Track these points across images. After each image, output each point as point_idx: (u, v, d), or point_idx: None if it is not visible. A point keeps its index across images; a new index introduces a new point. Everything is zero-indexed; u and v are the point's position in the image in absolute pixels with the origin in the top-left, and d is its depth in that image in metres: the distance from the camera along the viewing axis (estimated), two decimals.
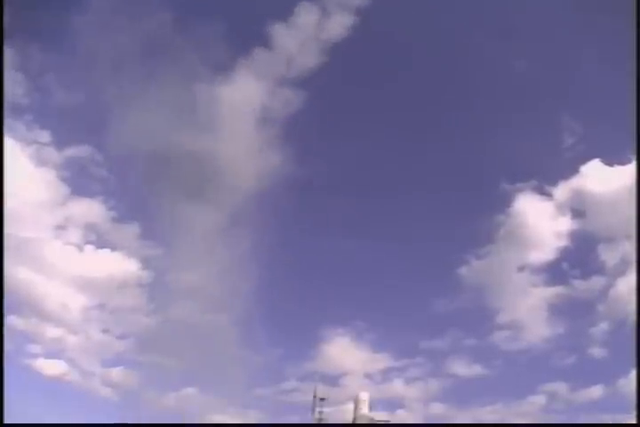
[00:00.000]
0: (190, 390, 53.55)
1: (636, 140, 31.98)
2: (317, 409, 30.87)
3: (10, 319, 47.86)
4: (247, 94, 57.03)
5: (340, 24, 55.84)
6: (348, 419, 31.96)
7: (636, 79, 30.42)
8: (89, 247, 56.07)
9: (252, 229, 54.69)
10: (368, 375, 53.80)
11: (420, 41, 62.16)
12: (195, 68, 55.28)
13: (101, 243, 56.26)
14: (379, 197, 65.76)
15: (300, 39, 56.40)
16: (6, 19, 31.90)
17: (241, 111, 57.27)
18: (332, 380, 49.49)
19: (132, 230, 58.51)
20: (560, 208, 56.30)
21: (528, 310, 54.63)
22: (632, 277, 45.95)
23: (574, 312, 54.07)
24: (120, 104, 54.31)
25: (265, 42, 56.02)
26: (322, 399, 31.18)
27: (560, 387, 50.32)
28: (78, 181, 58.19)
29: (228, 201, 56.48)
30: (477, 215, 58.73)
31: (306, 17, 56.01)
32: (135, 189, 59.27)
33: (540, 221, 56.77)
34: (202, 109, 56.60)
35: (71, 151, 57.99)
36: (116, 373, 53.90)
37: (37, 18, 50.90)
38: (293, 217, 62.33)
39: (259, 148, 57.38)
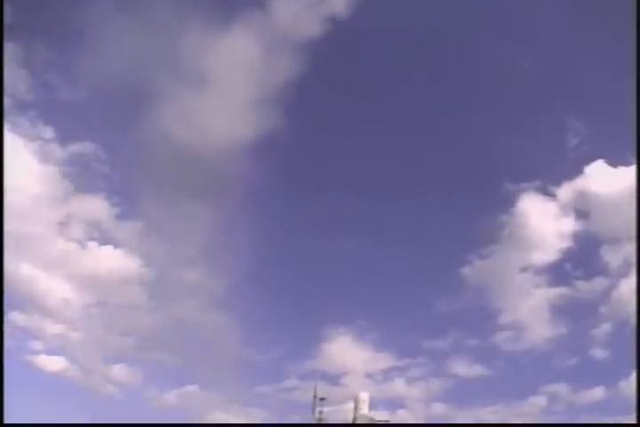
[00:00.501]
0: (191, 388, 54.02)
1: (636, 142, 31.77)
2: (317, 409, 30.90)
3: (11, 315, 48.14)
4: (240, 54, 55.59)
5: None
6: (349, 419, 31.95)
7: (635, 81, 30.24)
8: (91, 244, 56.17)
9: (253, 227, 54.90)
10: (369, 375, 53.89)
11: (423, 35, 61.15)
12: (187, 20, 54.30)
13: (104, 239, 56.25)
14: (381, 195, 65.49)
15: (299, 8, 55.44)
16: (10, 14, 32.09)
17: (232, 69, 56.04)
18: (334, 379, 49.63)
19: (134, 227, 58.28)
20: (564, 209, 56.08)
21: (530, 310, 54.64)
22: (634, 279, 46.12)
23: (576, 313, 53.99)
24: (99, 33, 53.33)
25: (262, 6, 55.18)
26: (322, 399, 31.15)
27: (561, 388, 50.35)
28: (81, 178, 57.62)
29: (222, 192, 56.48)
30: (481, 215, 58.56)
31: None
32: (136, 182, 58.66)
33: (544, 221, 56.61)
34: (189, 59, 55.65)
35: (75, 147, 57.55)
36: (118, 370, 54.23)
37: (41, 13, 50.95)
38: (295, 215, 62.60)
39: (249, 110, 55.92)
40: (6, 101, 38.68)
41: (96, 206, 56.98)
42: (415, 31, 60.28)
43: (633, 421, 25.97)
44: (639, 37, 29.85)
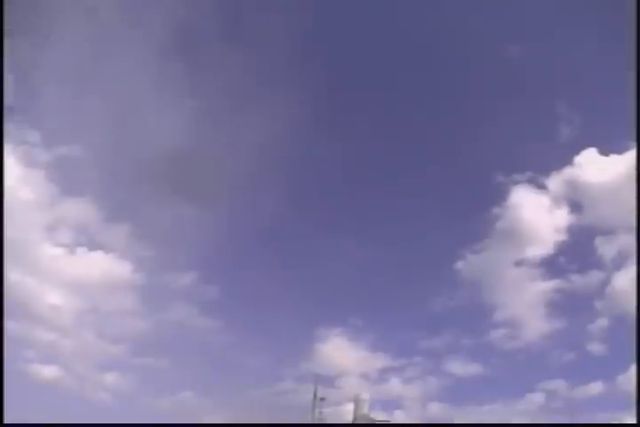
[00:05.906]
0: (186, 394, 53.02)
1: (635, 130, 31.68)
2: (317, 409, 30.47)
3: None
4: None
5: None
6: (347, 420, 31.60)
7: (635, 68, 30.13)
8: (80, 249, 55.08)
9: (246, 229, 54.26)
10: (365, 375, 53.18)
11: (405, 20, 60.39)
12: None
13: (93, 244, 55.15)
14: (370, 192, 64.84)
15: None
16: None
17: None
18: (329, 380, 48.71)
19: (123, 231, 57.05)
20: (556, 200, 55.51)
21: (525, 306, 54.33)
22: (630, 271, 46.06)
23: (572, 308, 53.61)
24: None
25: None
26: (322, 399, 30.79)
27: (559, 384, 49.98)
28: (68, 181, 56.23)
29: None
30: (473, 209, 58.43)
31: None
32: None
33: (537, 214, 56.11)
34: None
35: (61, 151, 56.38)
36: (111, 377, 53.19)
37: (25, 16, 49.96)
38: (287, 214, 61.89)
39: None
40: None
41: (84, 210, 55.73)
42: (397, 17, 59.49)
43: (632, 415, 26.01)
44: (638, 24, 29.78)
